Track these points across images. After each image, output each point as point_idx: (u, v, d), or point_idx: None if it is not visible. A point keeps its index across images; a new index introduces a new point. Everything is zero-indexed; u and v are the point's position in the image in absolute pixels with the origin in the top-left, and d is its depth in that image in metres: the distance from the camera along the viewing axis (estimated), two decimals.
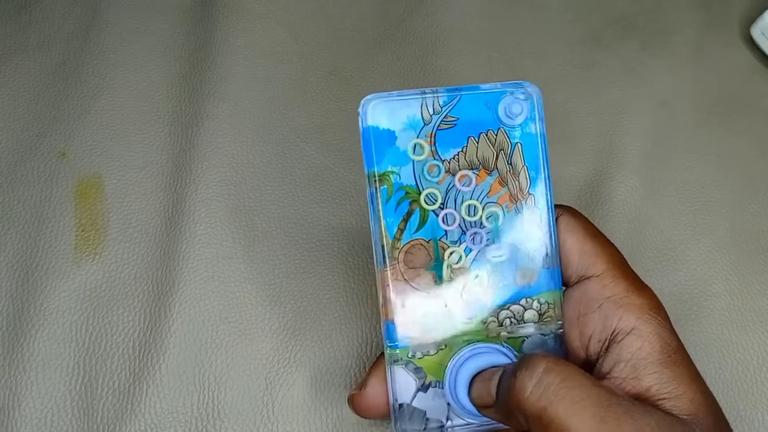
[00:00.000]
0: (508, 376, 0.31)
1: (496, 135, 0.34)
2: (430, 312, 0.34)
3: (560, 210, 0.35)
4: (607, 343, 0.33)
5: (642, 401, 0.31)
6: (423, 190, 0.34)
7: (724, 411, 0.33)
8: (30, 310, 0.44)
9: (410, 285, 0.34)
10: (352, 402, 0.35)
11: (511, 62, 0.55)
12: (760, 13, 0.55)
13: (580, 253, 0.34)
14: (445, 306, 0.34)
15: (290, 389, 0.43)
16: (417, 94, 0.33)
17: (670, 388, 0.32)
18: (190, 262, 0.45)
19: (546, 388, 0.29)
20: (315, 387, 0.43)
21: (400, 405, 0.34)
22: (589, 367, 0.34)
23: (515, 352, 0.34)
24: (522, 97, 0.34)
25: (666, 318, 0.34)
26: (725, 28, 0.57)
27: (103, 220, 0.47)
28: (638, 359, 0.32)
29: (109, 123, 0.50)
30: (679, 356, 0.33)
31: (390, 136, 0.33)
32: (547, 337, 0.35)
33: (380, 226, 0.33)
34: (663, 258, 0.48)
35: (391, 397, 0.34)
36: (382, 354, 0.35)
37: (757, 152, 0.52)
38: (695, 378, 0.32)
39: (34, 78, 0.52)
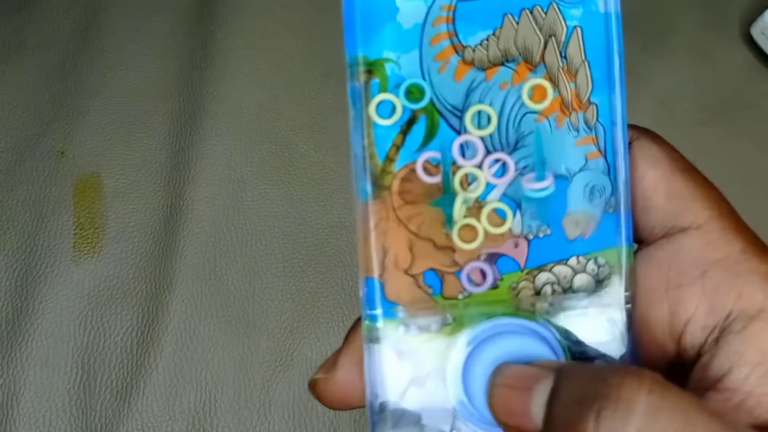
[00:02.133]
0: (577, 406, 0.19)
1: (546, 13, 0.23)
2: (432, 268, 0.23)
3: (636, 132, 0.24)
4: (717, 332, 0.22)
5: None
6: (433, 88, 0.23)
7: None
8: (28, 309, 0.44)
9: (406, 227, 0.23)
10: (315, 388, 0.24)
11: None
12: (760, 12, 0.55)
13: (667, 192, 0.23)
14: (456, 261, 0.23)
15: (287, 388, 0.42)
16: None
17: None
18: (188, 261, 0.45)
19: None
20: None
21: (383, 404, 0.23)
22: (680, 366, 0.23)
23: (558, 336, 0.23)
24: None
25: None
26: (725, 28, 0.57)
27: (102, 219, 0.47)
28: None
29: (107, 122, 0.50)
30: None
31: (388, 6, 0.23)
32: (607, 316, 0.23)
33: (366, 139, 0.23)
34: None
35: (368, 392, 0.23)
36: (359, 322, 0.23)
37: (757, 151, 0.52)
38: None
39: (33, 77, 0.52)
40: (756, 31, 0.55)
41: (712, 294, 0.22)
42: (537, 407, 0.20)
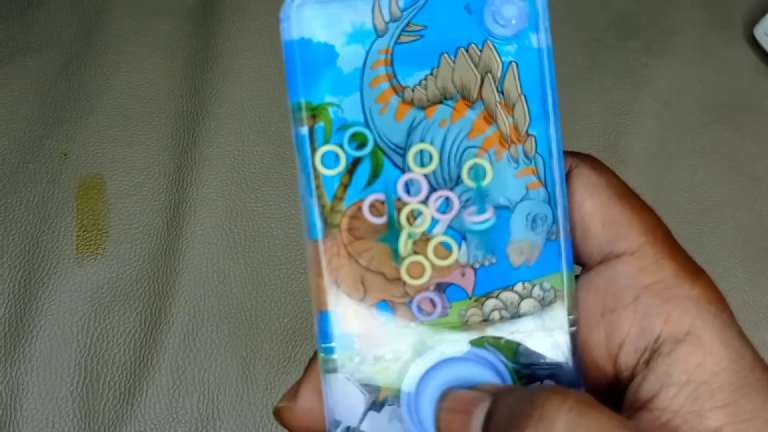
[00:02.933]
0: (507, 424, 0.20)
1: (481, 51, 0.23)
2: (384, 299, 0.24)
3: (575, 160, 0.24)
4: (648, 355, 0.23)
5: None
6: (376, 129, 0.23)
7: None
8: (32, 310, 0.44)
9: (357, 262, 0.24)
10: (279, 416, 0.25)
11: None
12: (764, 13, 0.55)
13: (604, 220, 0.24)
14: (406, 292, 0.24)
15: None
16: None
17: (753, 431, 0.21)
18: (191, 263, 0.45)
19: None
20: None
21: (344, 429, 0.24)
22: (619, 386, 0.24)
23: (505, 361, 0.24)
24: None
25: (731, 315, 0.23)
26: (728, 29, 0.57)
27: (105, 220, 0.47)
28: (699, 383, 0.21)
29: (111, 124, 0.50)
30: (758, 375, 0.22)
31: (328, 52, 0.23)
32: (552, 339, 0.24)
33: (313, 181, 0.23)
34: None
35: (328, 419, 0.24)
36: (317, 353, 0.24)
37: (761, 152, 0.52)
38: None
39: (36, 79, 0.52)
40: (759, 33, 0.55)
41: (642, 318, 0.23)
42: (476, 429, 0.21)
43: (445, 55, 0.24)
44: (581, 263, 0.25)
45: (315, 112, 0.23)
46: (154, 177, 0.49)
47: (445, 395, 0.23)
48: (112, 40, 0.54)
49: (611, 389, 0.23)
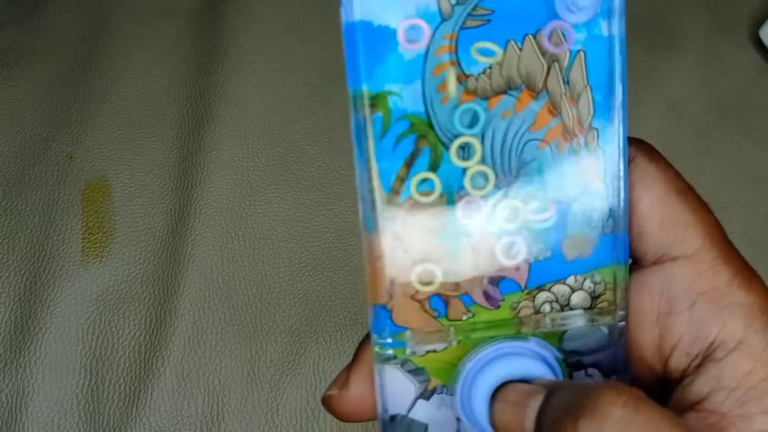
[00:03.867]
0: (562, 417, 0.21)
1: (550, 38, 0.23)
2: (437, 293, 0.24)
3: (634, 149, 0.24)
4: (699, 360, 0.23)
5: None
6: (437, 119, 0.23)
7: None
8: (37, 313, 0.44)
9: (411, 255, 0.24)
10: (330, 404, 0.26)
11: None
12: None
13: (662, 219, 0.23)
14: (459, 286, 0.24)
15: (295, 392, 0.42)
16: None
17: None
18: (196, 265, 0.45)
19: None
20: (320, 390, 0.42)
21: (393, 416, 0.25)
22: (667, 385, 0.24)
23: (556, 354, 0.25)
24: None
25: None
26: (734, 31, 0.57)
27: (110, 223, 0.47)
28: (747, 388, 0.22)
29: (116, 127, 0.51)
30: None
31: (389, 36, 0.22)
32: (599, 330, 0.25)
33: (371, 173, 0.23)
34: None
35: (379, 406, 0.25)
36: (367, 340, 0.25)
37: (766, 153, 0.52)
38: None
39: (42, 82, 0.53)
40: (764, 34, 0.55)
41: (698, 325, 0.23)
42: (529, 421, 0.22)
43: (512, 42, 0.23)
44: (634, 259, 0.25)
45: (374, 101, 0.23)
46: (159, 179, 0.49)
47: (501, 389, 0.24)
48: (117, 43, 0.54)
49: (658, 387, 0.24)
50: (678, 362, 0.24)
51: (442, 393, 0.25)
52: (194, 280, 0.45)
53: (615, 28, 0.23)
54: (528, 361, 0.24)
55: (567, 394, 0.22)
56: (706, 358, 0.23)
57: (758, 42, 0.56)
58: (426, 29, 0.22)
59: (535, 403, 0.22)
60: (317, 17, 0.56)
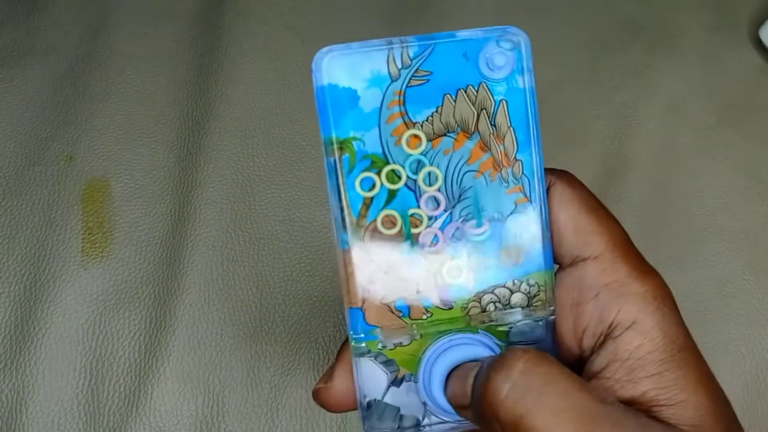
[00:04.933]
0: (483, 375, 0.27)
1: (477, 91, 0.29)
2: (400, 298, 0.30)
3: (553, 177, 0.30)
4: (602, 338, 0.29)
5: (638, 407, 0.28)
6: (392, 158, 0.29)
7: (743, 411, 0.32)
8: (37, 313, 0.44)
9: (378, 268, 0.29)
10: (318, 396, 0.31)
11: None
12: None
13: (574, 229, 0.30)
14: (418, 291, 0.30)
15: (295, 392, 0.42)
16: (382, 45, 0.28)
17: (670, 394, 0.28)
18: (196, 265, 0.45)
19: (524, 394, 0.25)
20: None
21: (369, 402, 0.30)
22: (582, 362, 0.30)
23: (499, 343, 0.30)
24: (507, 45, 0.29)
25: (673, 308, 0.29)
26: (734, 31, 0.57)
27: (110, 223, 0.47)
28: (636, 359, 0.28)
29: (116, 127, 0.51)
30: (685, 355, 0.28)
31: (351, 95, 0.28)
32: (536, 324, 0.30)
33: (342, 202, 0.29)
34: (676, 259, 0.47)
35: (358, 394, 0.30)
36: (347, 341, 0.30)
37: (766, 154, 0.52)
38: (703, 381, 0.28)
39: (42, 82, 0.53)
40: (765, 34, 0.55)
41: (601, 310, 0.29)
42: (470, 387, 0.28)
43: (448, 96, 0.29)
44: (557, 263, 0.31)
45: (342, 145, 0.29)
46: (159, 180, 0.49)
47: (455, 369, 0.30)
48: (117, 43, 0.54)
49: (578, 364, 0.30)
50: (588, 342, 0.30)
51: (410, 381, 0.30)
52: (194, 280, 0.45)
53: (527, 81, 0.29)
54: (475, 348, 0.30)
55: (491, 358, 0.28)
56: (607, 337, 0.29)
57: (758, 42, 0.56)
58: (379, 89, 0.28)
59: (473, 372, 0.28)
60: (317, 17, 0.56)
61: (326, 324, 0.44)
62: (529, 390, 0.25)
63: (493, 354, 0.30)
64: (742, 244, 0.48)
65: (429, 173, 0.29)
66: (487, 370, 0.27)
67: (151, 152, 0.50)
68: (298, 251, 0.46)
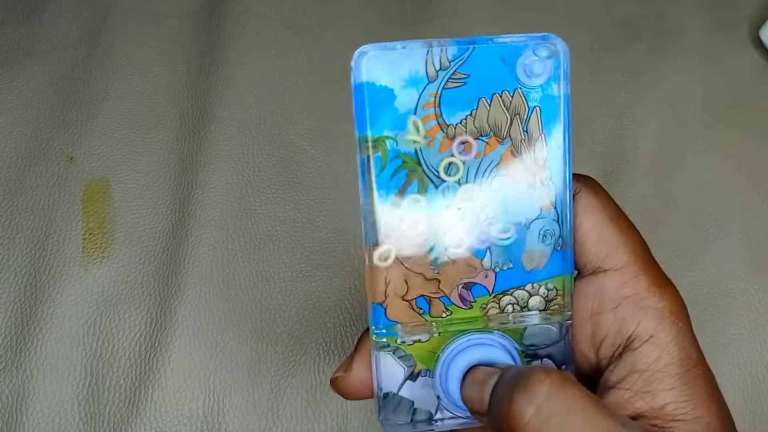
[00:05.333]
0: (505, 391, 0.27)
1: (512, 97, 0.29)
2: (423, 295, 0.30)
3: (579, 184, 0.31)
4: (621, 349, 0.30)
5: (656, 421, 0.29)
6: (424, 159, 0.29)
7: (743, 411, 0.32)
8: (38, 313, 0.44)
9: (402, 265, 0.30)
10: (336, 384, 0.32)
11: None
12: None
13: (598, 239, 0.30)
14: (439, 289, 0.30)
15: (296, 392, 0.42)
16: (422, 45, 0.28)
17: (687, 409, 0.28)
18: (196, 265, 0.45)
19: (547, 418, 0.26)
20: (320, 390, 0.42)
21: (386, 394, 0.31)
22: (598, 371, 0.31)
23: (516, 345, 0.31)
24: (545, 53, 0.29)
25: (688, 323, 0.30)
26: (734, 31, 0.57)
27: (111, 223, 0.47)
28: (654, 371, 0.29)
29: (116, 127, 0.51)
30: (699, 370, 0.29)
31: (388, 94, 0.29)
32: (552, 328, 0.31)
33: (372, 199, 0.29)
34: (677, 259, 0.47)
35: (375, 386, 0.31)
36: (367, 332, 0.31)
37: (766, 154, 0.52)
38: (714, 397, 0.29)
39: (42, 83, 0.53)
40: (765, 34, 0.55)
41: (620, 322, 0.30)
42: (486, 395, 0.29)
43: (483, 100, 0.29)
44: (577, 269, 0.31)
45: (375, 143, 0.29)
46: (159, 180, 0.49)
47: (471, 371, 0.30)
48: (117, 43, 0.54)
49: (593, 372, 0.31)
50: (606, 352, 0.30)
51: (425, 376, 0.31)
52: (194, 280, 0.45)
53: (563, 89, 0.29)
54: (492, 349, 0.31)
55: (511, 374, 0.28)
56: (625, 348, 0.30)
57: (758, 42, 0.56)
58: (416, 89, 0.29)
59: (492, 381, 0.29)
60: (317, 18, 0.56)
61: (327, 324, 0.44)
62: (552, 415, 0.26)
63: (511, 358, 0.31)
64: (743, 244, 0.48)
65: (459, 176, 0.30)
66: (510, 389, 0.27)
67: (152, 152, 0.50)
68: (299, 251, 0.46)
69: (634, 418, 0.29)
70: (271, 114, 0.51)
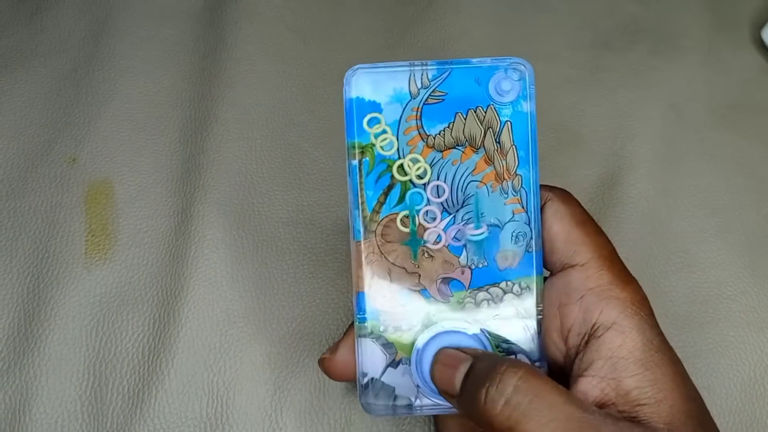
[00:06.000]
0: (477, 384, 0.30)
1: (485, 112, 0.33)
2: (403, 288, 0.33)
3: (550, 194, 0.34)
4: (586, 338, 0.32)
5: (623, 406, 0.30)
6: (406, 163, 0.33)
7: (741, 413, 0.33)
8: (40, 315, 0.44)
9: (386, 259, 0.33)
10: (322, 365, 0.35)
11: None
12: None
13: (565, 240, 0.33)
14: (420, 283, 0.33)
15: (299, 393, 0.42)
16: (405, 66, 0.32)
17: (650, 393, 0.30)
18: (199, 267, 0.45)
19: (515, 408, 0.28)
20: (323, 391, 0.42)
21: (369, 379, 0.34)
22: (569, 361, 0.33)
23: (488, 337, 0.33)
24: (514, 75, 0.33)
25: (650, 313, 0.32)
26: (735, 31, 0.57)
27: (113, 225, 0.47)
28: (618, 357, 0.31)
29: (119, 129, 0.51)
30: (662, 356, 0.31)
31: (375, 108, 0.33)
32: (525, 323, 0.34)
33: (360, 199, 0.33)
34: (677, 260, 0.47)
35: (358, 370, 0.34)
36: (353, 323, 0.34)
37: None
38: (678, 380, 0.31)
39: (45, 84, 0.53)
40: (766, 35, 0.55)
41: (585, 311, 0.32)
42: (458, 380, 0.31)
43: (459, 114, 0.33)
44: (548, 269, 0.34)
45: (363, 150, 0.33)
46: (162, 181, 0.49)
47: (439, 352, 0.33)
48: (119, 44, 0.54)
49: (566, 363, 0.33)
50: (573, 341, 0.33)
51: (406, 364, 0.34)
52: (198, 281, 0.45)
53: (530, 107, 0.33)
54: (463, 336, 0.33)
55: (484, 364, 0.31)
56: (590, 337, 0.32)
57: (760, 43, 0.56)
58: (400, 104, 0.33)
59: (464, 367, 0.31)
60: (319, 19, 0.56)
61: (330, 325, 0.44)
62: (519, 405, 0.29)
63: (482, 345, 0.33)
64: (744, 246, 0.48)
65: (437, 186, 0.33)
66: (482, 382, 0.30)
67: (154, 154, 0.50)
68: (302, 253, 0.46)
69: (603, 405, 0.31)
70: (274, 116, 0.51)
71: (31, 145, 0.50)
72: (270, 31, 0.54)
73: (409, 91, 0.32)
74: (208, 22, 0.55)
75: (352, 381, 0.35)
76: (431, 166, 0.33)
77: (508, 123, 0.33)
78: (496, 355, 0.33)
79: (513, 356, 0.34)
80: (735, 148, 0.52)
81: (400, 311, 0.33)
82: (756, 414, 0.43)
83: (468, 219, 0.33)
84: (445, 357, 0.32)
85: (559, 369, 0.34)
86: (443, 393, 0.32)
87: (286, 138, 0.51)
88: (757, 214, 0.49)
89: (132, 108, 0.51)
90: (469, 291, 0.33)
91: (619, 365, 0.31)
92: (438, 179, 0.33)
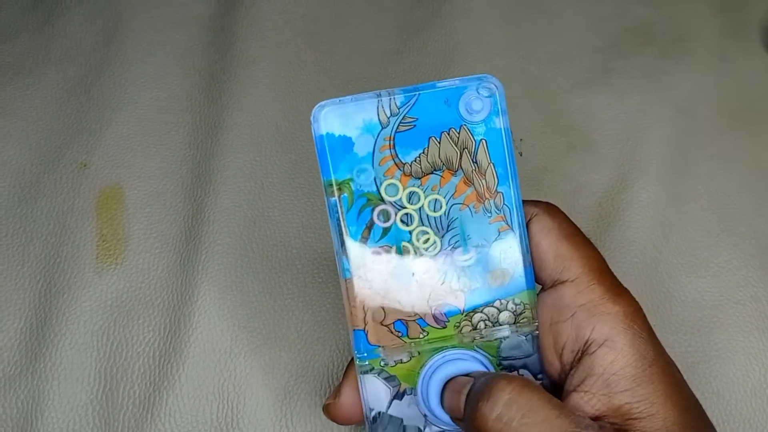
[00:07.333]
0: (473, 399, 0.30)
1: (459, 133, 0.32)
2: (398, 320, 0.33)
3: (536, 208, 0.33)
4: (579, 354, 0.32)
5: (615, 420, 0.30)
6: (385, 196, 0.32)
7: (751, 418, 0.32)
8: (52, 320, 0.45)
9: (377, 293, 0.33)
10: (327, 411, 0.35)
11: (529, 70, 0.55)
12: None
13: (554, 255, 0.33)
14: (414, 313, 0.33)
15: (309, 398, 0.42)
16: (372, 96, 0.32)
17: (642, 408, 0.30)
18: (210, 272, 0.45)
19: (507, 423, 0.28)
20: None
21: (375, 415, 0.33)
22: (563, 377, 0.33)
23: (490, 357, 0.33)
24: (483, 92, 0.32)
25: (644, 326, 0.32)
26: (745, 35, 0.56)
27: (124, 230, 0.48)
28: (610, 374, 0.31)
29: (129, 134, 0.51)
30: (655, 369, 0.31)
31: (346, 142, 0.32)
32: (524, 339, 0.33)
33: (343, 236, 0.32)
34: (687, 264, 0.47)
35: (365, 407, 0.33)
36: (352, 361, 0.34)
37: None
38: (672, 393, 0.31)
39: (56, 90, 0.53)
40: None
41: (577, 329, 0.32)
42: (462, 402, 0.31)
43: (433, 138, 0.32)
44: (539, 284, 0.34)
45: (341, 186, 0.32)
46: (172, 187, 0.49)
47: (450, 382, 0.32)
48: (130, 51, 0.54)
49: (560, 379, 0.33)
50: (567, 357, 0.32)
51: (410, 394, 0.33)
52: (208, 286, 0.45)
53: (503, 122, 0.32)
54: (468, 363, 0.33)
55: (479, 383, 0.30)
56: (583, 353, 0.32)
57: None
58: (371, 135, 0.32)
59: (466, 390, 0.31)
60: (328, 25, 0.56)
61: (340, 330, 0.44)
62: (511, 420, 0.28)
63: (484, 367, 0.33)
64: (754, 250, 0.48)
65: (419, 208, 0.32)
66: (477, 396, 0.30)
67: (165, 159, 0.50)
68: (312, 257, 0.46)
69: (596, 418, 0.31)
70: (284, 120, 0.51)
71: (42, 151, 0.51)
72: (279, 36, 0.55)
73: (379, 121, 0.32)
74: (218, 29, 0.55)
75: (360, 423, 0.35)
76: (411, 194, 0.32)
77: (483, 141, 0.32)
78: (492, 372, 0.33)
79: (516, 371, 0.33)
80: (745, 152, 0.52)
81: (399, 343, 0.33)
82: (766, 419, 0.43)
83: (455, 243, 0.33)
84: (452, 384, 0.32)
85: (553, 385, 0.34)
86: (455, 420, 0.32)
87: (296, 143, 0.51)
88: (767, 219, 0.49)
89: (142, 114, 0.52)
90: (464, 314, 0.33)
91: (611, 381, 0.31)
92: (420, 207, 0.32)
